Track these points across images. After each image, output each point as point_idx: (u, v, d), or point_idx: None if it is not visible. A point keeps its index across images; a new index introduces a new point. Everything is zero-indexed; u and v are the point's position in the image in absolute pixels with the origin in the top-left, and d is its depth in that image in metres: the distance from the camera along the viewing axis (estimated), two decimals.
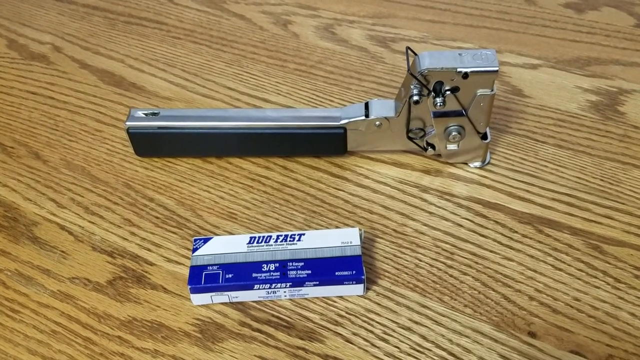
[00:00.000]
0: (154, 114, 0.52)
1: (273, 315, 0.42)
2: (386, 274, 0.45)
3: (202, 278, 0.42)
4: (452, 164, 0.52)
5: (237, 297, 0.43)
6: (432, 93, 0.46)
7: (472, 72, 0.45)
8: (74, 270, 0.46)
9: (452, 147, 0.50)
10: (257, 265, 0.42)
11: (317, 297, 0.43)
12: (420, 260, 0.45)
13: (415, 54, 0.46)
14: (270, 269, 0.42)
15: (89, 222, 0.49)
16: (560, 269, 0.44)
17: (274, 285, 0.42)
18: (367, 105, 0.50)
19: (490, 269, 0.44)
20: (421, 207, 0.49)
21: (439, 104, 0.46)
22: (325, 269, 0.42)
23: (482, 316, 0.42)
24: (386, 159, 0.53)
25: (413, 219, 0.48)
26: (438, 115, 0.48)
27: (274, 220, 0.49)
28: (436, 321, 0.42)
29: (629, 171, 0.51)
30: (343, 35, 0.68)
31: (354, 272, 0.42)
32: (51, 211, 0.50)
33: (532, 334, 0.41)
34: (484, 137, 0.50)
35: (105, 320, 0.43)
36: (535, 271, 0.44)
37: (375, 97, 0.59)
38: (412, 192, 0.50)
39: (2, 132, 0.58)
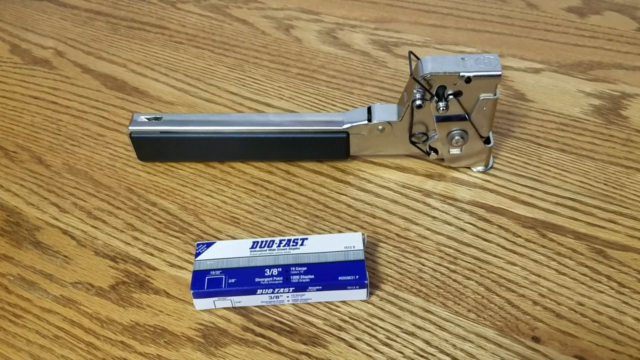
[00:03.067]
0: (156, 118, 0.52)
1: (276, 320, 0.42)
2: (389, 278, 0.44)
3: (204, 283, 0.42)
4: (455, 169, 0.52)
5: (240, 302, 0.43)
6: (435, 97, 0.46)
7: (474, 76, 0.45)
8: (77, 275, 0.46)
9: (455, 151, 0.50)
10: (259, 270, 0.42)
11: (320, 302, 0.43)
12: (424, 265, 0.45)
13: (418, 58, 0.46)
14: (273, 273, 0.42)
15: (92, 226, 0.49)
16: (564, 274, 0.44)
17: (276, 290, 0.42)
18: (369, 110, 0.50)
19: (494, 273, 0.44)
20: (424, 211, 0.49)
21: (441, 108, 0.46)
22: (328, 274, 0.42)
23: (485, 321, 0.42)
24: (389, 164, 0.53)
25: (416, 224, 0.48)
26: (441, 119, 0.48)
27: (276, 224, 0.49)
28: (440, 326, 0.41)
29: (633, 175, 0.51)
30: (345, 40, 0.68)
31: (357, 276, 0.42)
32: (54, 216, 0.50)
33: (536, 339, 0.40)
34: (487, 141, 0.50)
35: (108, 325, 0.43)
36: (539, 276, 0.44)
37: (377, 102, 0.59)
38: (415, 196, 0.50)
39: (5, 137, 0.58)
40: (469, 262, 0.45)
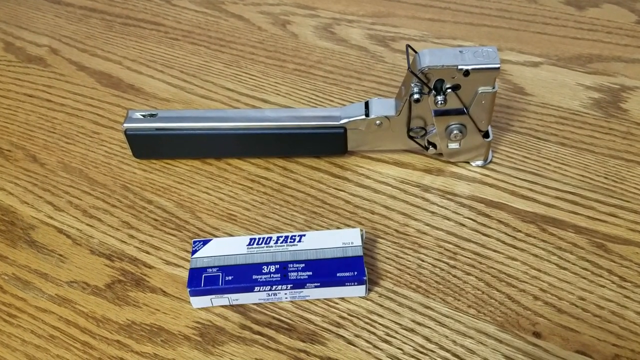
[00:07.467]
0: (152, 115, 0.51)
1: (274, 318, 0.42)
2: (388, 274, 0.44)
3: (201, 280, 0.41)
4: (453, 163, 0.52)
5: (237, 300, 0.42)
6: (433, 91, 0.46)
7: (473, 69, 0.44)
8: (72, 274, 0.45)
9: (453, 145, 0.50)
10: (257, 267, 0.42)
11: (318, 299, 0.43)
12: (423, 261, 0.45)
13: (416, 52, 0.46)
14: (271, 270, 0.42)
15: (87, 225, 0.49)
16: (564, 268, 0.44)
17: (274, 287, 0.41)
18: (367, 105, 0.50)
19: (494, 268, 0.44)
20: (423, 206, 0.48)
21: (439, 102, 0.46)
22: (327, 270, 0.41)
23: (486, 316, 0.41)
24: (387, 159, 0.52)
25: (415, 219, 0.48)
26: (439, 113, 0.47)
27: (274, 221, 0.48)
28: (439, 322, 0.41)
29: (633, 168, 0.50)
30: (342, 35, 0.67)
31: (355, 273, 0.41)
32: (49, 214, 0.50)
33: (537, 334, 0.40)
34: (486, 135, 0.49)
35: (104, 325, 0.42)
36: (539, 270, 0.44)
37: (375, 97, 0.58)
38: (414, 191, 0.50)
39: None
40: (468, 258, 0.45)
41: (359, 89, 0.60)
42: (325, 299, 0.43)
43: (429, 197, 0.49)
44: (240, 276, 0.41)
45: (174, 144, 0.52)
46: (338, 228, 0.47)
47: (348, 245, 0.43)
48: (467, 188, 0.50)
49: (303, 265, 0.42)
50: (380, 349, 0.40)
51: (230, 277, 0.41)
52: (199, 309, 0.43)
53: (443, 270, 0.44)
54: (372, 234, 0.47)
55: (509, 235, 0.46)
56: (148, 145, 0.52)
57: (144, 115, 0.51)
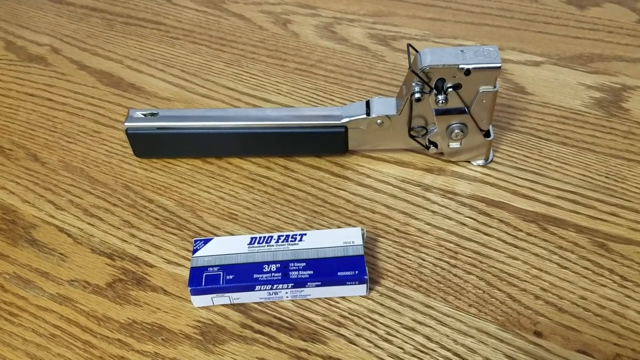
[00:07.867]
0: (152, 114, 0.51)
1: (275, 317, 0.42)
2: (389, 273, 0.44)
3: (202, 279, 0.41)
4: (454, 162, 0.52)
5: (238, 299, 0.42)
6: (434, 90, 0.46)
7: (474, 68, 0.44)
8: (73, 273, 0.45)
9: (454, 145, 0.50)
10: (258, 266, 0.42)
11: (319, 298, 0.43)
12: (424, 260, 0.45)
13: (417, 51, 0.46)
14: (272, 269, 0.42)
15: (88, 224, 0.49)
16: (565, 268, 0.44)
17: (275, 286, 0.41)
18: (368, 104, 0.50)
19: (495, 267, 0.44)
20: (424, 206, 0.48)
21: (440, 102, 0.46)
22: (328, 270, 0.41)
23: (487, 316, 0.41)
24: (388, 158, 0.52)
25: (416, 218, 0.48)
26: (440, 112, 0.47)
27: (275, 220, 0.48)
28: (440, 321, 0.41)
29: (634, 168, 0.50)
30: (343, 34, 0.67)
31: (356, 272, 0.41)
32: (50, 213, 0.50)
33: (538, 334, 0.40)
34: (487, 134, 0.49)
35: (105, 323, 0.42)
36: (540, 270, 0.43)
37: (376, 96, 0.58)
38: (415, 191, 0.50)
39: (0, 135, 0.58)
40: (469, 257, 0.45)
41: (360, 88, 0.60)
42: (326, 298, 0.43)
43: (430, 197, 0.49)
44: (241, 275, 0.41)
45: (175, 143, 0.52)
46: (339, 227, 0.47)
47: (349, 244, 0.43)
48: (468, 187, 0.50)
49: (304, 264, 0.42)
50: (381, 348, 0.40)
51: (231, 276, 0.41)
52: (199, 307, 0.43)
53: (444, 269, 0.44)
54: (373, 233, 0.47)
55: (510, 235, 0.46)
56: (149, 144, 0.52)
57: (144, 115, 0.51)
